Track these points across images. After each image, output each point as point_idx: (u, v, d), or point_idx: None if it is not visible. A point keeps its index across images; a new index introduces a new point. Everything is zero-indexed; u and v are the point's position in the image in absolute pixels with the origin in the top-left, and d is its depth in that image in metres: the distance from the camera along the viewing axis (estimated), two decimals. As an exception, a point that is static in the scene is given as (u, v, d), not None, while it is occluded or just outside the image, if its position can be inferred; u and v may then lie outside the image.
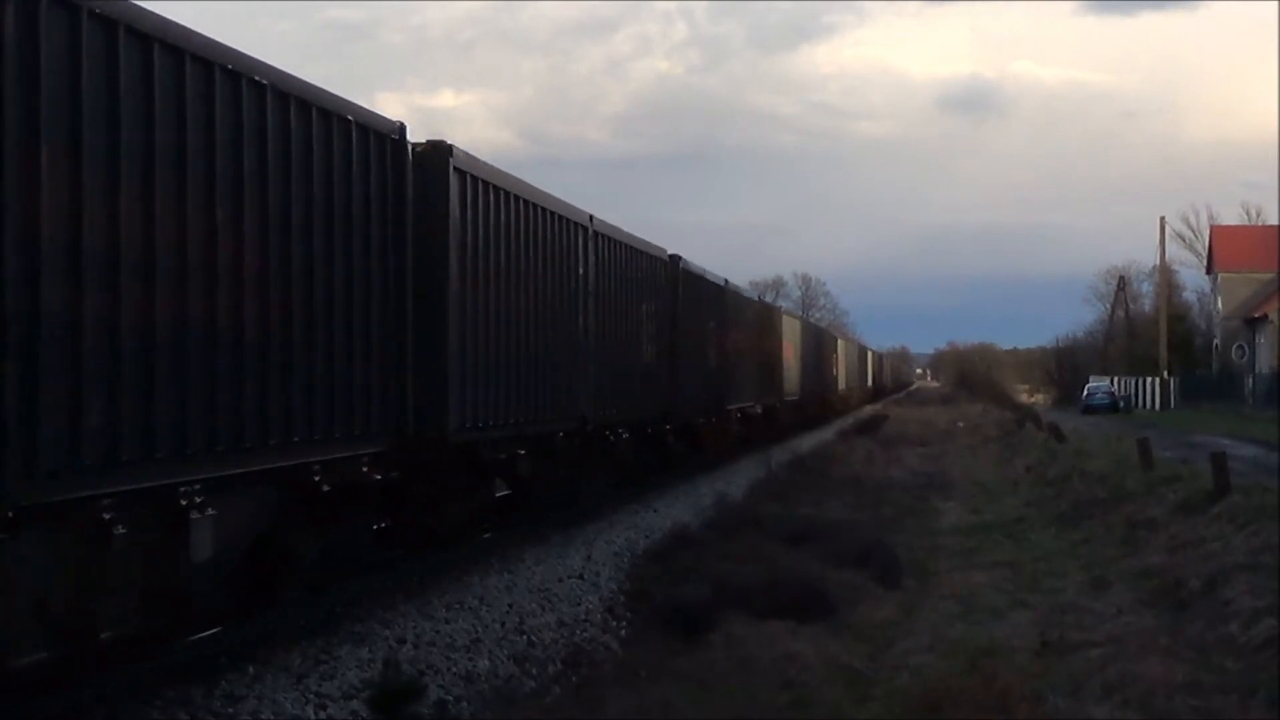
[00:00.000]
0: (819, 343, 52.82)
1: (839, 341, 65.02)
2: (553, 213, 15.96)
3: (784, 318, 41.26)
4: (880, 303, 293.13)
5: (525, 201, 14.89)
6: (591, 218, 17.70)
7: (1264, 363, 65.55)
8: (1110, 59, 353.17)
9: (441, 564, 13.75)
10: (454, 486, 13.41)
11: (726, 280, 28.97)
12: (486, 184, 13.55)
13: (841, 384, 63.20)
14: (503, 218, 14.10)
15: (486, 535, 15.46)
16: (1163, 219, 68.86)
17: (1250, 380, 63.83)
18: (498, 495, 15.32)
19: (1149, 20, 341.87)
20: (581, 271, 17.19)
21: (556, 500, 17.50)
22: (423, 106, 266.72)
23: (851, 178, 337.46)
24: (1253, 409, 55.74)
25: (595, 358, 17.78)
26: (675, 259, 23.79)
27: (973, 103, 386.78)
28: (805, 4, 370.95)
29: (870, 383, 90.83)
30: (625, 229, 21.79)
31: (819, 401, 51.69)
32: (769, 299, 54.96)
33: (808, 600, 11.82)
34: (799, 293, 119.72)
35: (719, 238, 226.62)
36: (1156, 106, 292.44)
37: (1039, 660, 9.70)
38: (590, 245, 17.68)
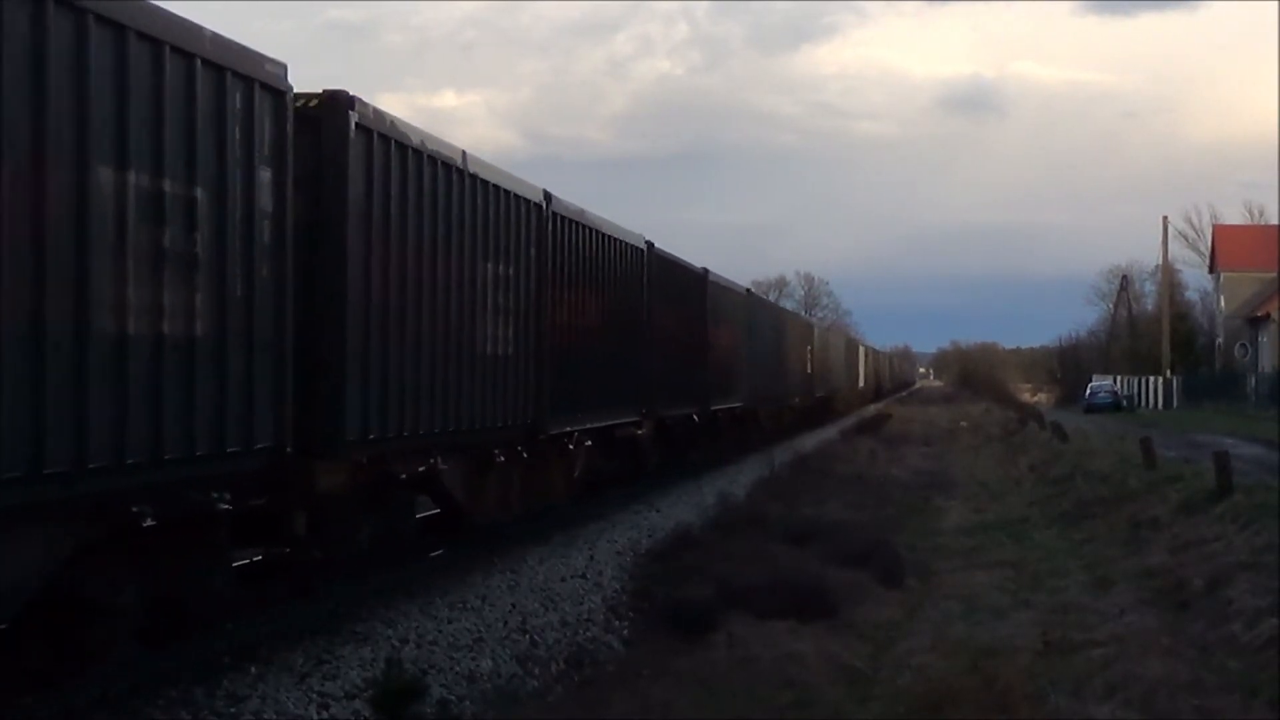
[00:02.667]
0: (784, 331, 39.45)
1: (816, 331, 50.51)
2: None
3: (712, 287, 26.90)
4: (882, 302, 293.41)
5: None
6: None
7: (1266, 362, 65.49)
8: (1111, 59, 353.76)
9: (444, 563, 13.76)
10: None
11: (551, 195, 15.61)
12: None
13: (821, 386, 49.31)
14: None
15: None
16: (1165, 218, 68.76)
17: (1253, 379, 63.75)
18: None
19: (1149, 20, 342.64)
20: None
21: None
22: (425, 107, 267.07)
23: (852, 178, 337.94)
24: (1255, 408, 55.65)
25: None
26: (391, 131, 11.11)
27: (973, 103, 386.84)
28: (805, 4, 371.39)
29: (864, 383, 76.41)
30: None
31: (785, 410, 39.39)
32: (771, 298, 52.44)
33: (810, 600, 11.82)
34: (801, 292, 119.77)
35: (720, 238, 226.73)
36: (1157, 106, 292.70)
37: (1041, 660, 9.70)
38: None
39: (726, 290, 29.35)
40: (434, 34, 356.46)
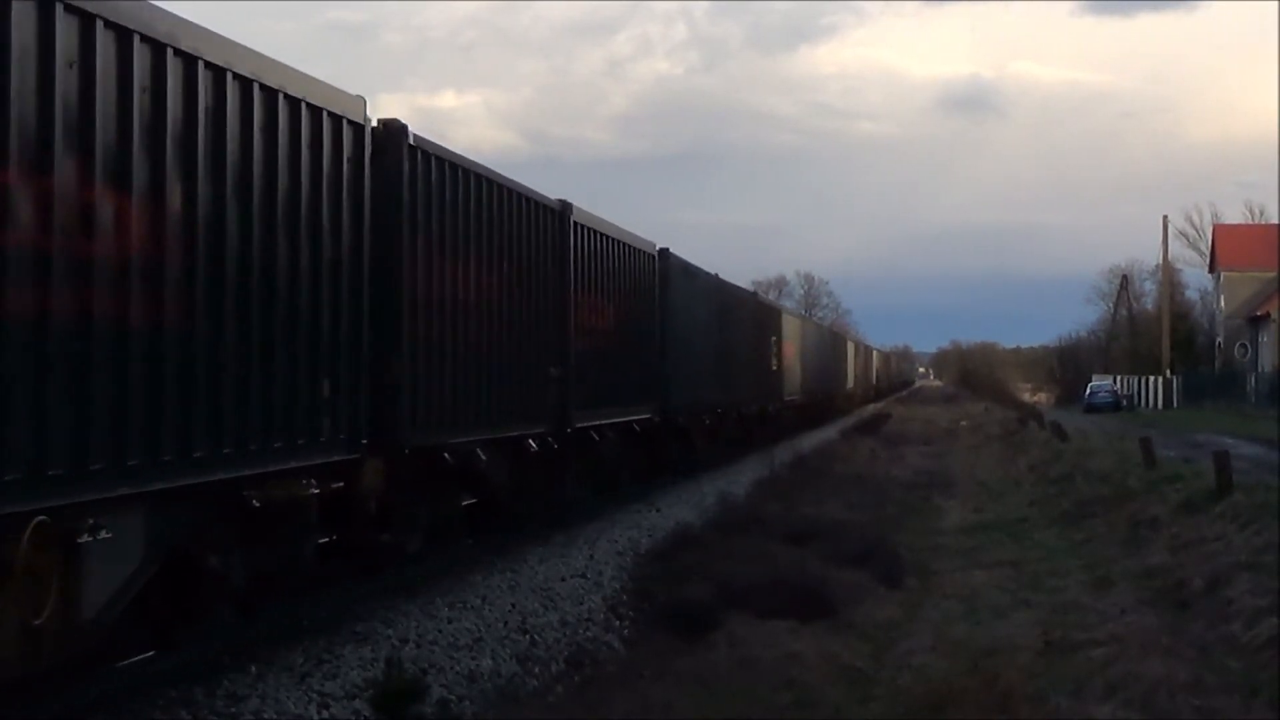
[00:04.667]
0: (733, 316, 30.05)
1: (785, 319, 40.19)
2: None
3: (581, 233, 17.22)
4: (882, 302, 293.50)
5: None
6: None
7: (1266, 361, 65.49)
8: (1109, 59, 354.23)
9: (444, 563, 13.75)
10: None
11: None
12: None
13: (793, 388, 40.02)
14: None
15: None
16: (1165, 218, 68.71)
17: (1253, 379, 63.77)
18: None
19: (1147, 20, 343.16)
20: None
21: None
22: (424, 107, 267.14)
23: (852, 178, 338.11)
24: (1255, 408, 55.65)
25: None
26: None
27: (972, 103, 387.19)
28: (804, 4, 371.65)
29: (852, 384, 65.86)
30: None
31: (737, 420, 30.79)
32: (771, 298, 51.58)
33: (810, 600, 11.81)
34: (801, 292, 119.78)
35: (720, 238, 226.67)
36: (1156, 106, 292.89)
37: (1041, 660, 9.70)
38: None
39: (617, 244, 19.24)
40: (434, 34, 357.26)
